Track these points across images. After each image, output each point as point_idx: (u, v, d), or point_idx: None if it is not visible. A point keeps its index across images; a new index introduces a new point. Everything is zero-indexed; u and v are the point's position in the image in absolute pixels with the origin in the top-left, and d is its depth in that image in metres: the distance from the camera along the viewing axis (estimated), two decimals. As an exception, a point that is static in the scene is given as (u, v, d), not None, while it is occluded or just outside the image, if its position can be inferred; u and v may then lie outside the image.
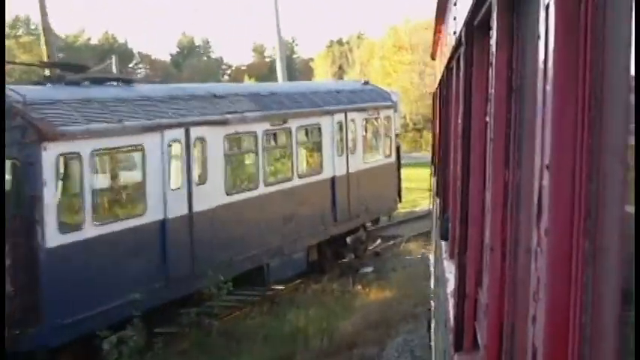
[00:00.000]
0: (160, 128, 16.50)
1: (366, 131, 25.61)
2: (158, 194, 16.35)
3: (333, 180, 22.97)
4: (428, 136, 67.80)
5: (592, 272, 1.82)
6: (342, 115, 23.53)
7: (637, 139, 1.46)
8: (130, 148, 16.21)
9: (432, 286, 15.82)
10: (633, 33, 1.52)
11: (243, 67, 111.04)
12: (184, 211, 17.08)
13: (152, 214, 16.25)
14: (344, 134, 23.46)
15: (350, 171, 23.52)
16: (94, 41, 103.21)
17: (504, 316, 3.46)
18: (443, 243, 8.99)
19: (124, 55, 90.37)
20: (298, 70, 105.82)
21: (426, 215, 32.09)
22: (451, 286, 6.51)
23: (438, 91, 14.43)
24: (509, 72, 3.40)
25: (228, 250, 18.45)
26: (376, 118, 26.16)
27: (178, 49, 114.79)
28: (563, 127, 1.90)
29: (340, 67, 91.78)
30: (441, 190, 11.62)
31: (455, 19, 6.96)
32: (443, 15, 11.37)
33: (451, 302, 6.20)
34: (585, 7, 1.82)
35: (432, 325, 14.26)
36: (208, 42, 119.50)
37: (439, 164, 13.46)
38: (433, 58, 20.25)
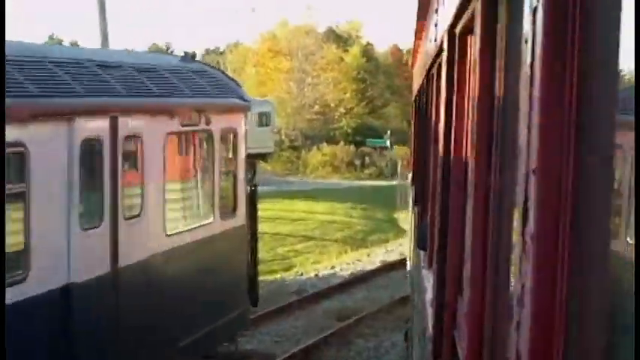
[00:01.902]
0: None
1: (179, 161, 13.20)
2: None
3: (64, 293, 9.86)
4: (307, 157, 62.87)
5: (578, 278, 1.80)
6: (102, 123, 10.55)
7: (637, 139, 1.44)
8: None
9: (410, 294, 15.81)
10: (633, 35, 1.50)
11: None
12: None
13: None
14: (107, 172, 10.63)
15: (121, 265, 10.87)
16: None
17: (484, 324, 3.44)
18: (421, 252, 8.98)
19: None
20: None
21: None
22: (430, 295, 6.49)
23: (417, 98, 14.44)
24: (492, 77, 3.38)
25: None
26: (205, 134, 13.35)
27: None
28: (550, 132, 1.87)
29: None
30: (420, 199, 11.61)
31: (436, 25, 6.96)
32: (423, 23, 11.40)
33: (430, 311, 6.18)
34: (573, 9, 1.80)
35: (409, 335, 14.26)
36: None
37: (416, 172, 13.46)
38: (412, 67, 20.28)
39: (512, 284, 2.33)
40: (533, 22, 2.03)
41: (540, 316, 1.93)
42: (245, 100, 15.03)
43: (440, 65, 6.38)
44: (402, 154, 57.57)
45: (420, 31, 12.90)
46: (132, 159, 11.46)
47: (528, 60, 2.07)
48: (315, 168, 62.08)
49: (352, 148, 62.70)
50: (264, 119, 52.03)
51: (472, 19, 3.91)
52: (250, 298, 15.31)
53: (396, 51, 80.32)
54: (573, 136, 1.80)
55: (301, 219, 37.03)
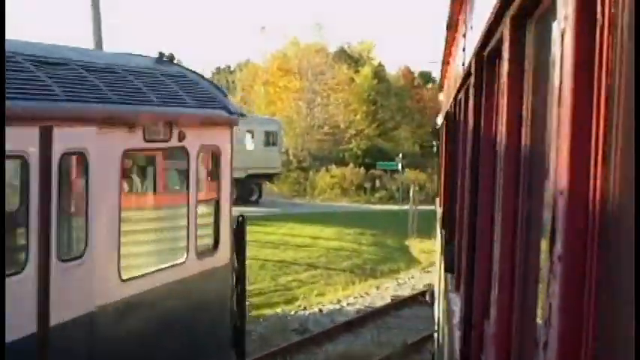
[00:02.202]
0: None
1: (140, 185, 11.20)
2: None
3: None
4: (315, 178, 60.00)
5: (606, 298, 1.81)
6: (28, 134, 8.16)
7: (637, 139, 1.46)
8: None
9: (436, 319, 15.75)
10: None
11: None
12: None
13: None
14: (34, 200, 8.15)
15: (53, 323, 8.36)
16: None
17: (512, 346, 3.44)
18: (448, 275, 8.96)
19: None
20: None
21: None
22: (457, 317, 6.48)
23: (445, 122, 14.46)
24: (521, 100, 3.40)
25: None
26: (178, 152, 10.99)
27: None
28: (578, 153, 1.89)
29: None
30: (447, 222, 11.60)
31: (464, 49, 6.99)
32: (450, 47, 11.43)
33: (457, 334, 6.17)
34: (601, 31, 1.82)
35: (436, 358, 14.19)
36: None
37: (444, 195, 13.44)
38: (440, 90, 20.31)
39: (540, 305, 2.34)
40: (562, 45, 2.05)
41: (568, 337, 1.94)
42: (231, 112, 12.03)
43: (468, 89, 6.40)
44: (413, 177, 56.64)
45: (447, 56, 12.94)
46: (73, 183, 9.06)
47: (557, 82, 2.09)
48: (324, 190, 59.63)
49: (362, 170, 60.41)
50: (270, 138, 51.05)
51: (500, 42, 3.93)
52: (236, 353, 12.37)
53: (408, 73, 78.78)
54: (601, 157, 1.82)
55: (307, 245, 34.63)
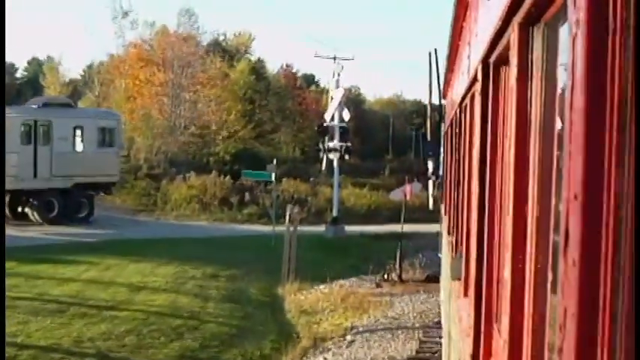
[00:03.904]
0: None
1: None
2: None
3: None
4: (169, 188, 47.75)
5: (621, 303, 1.81)
6: None
7: (637, 139, 1.47)
8: None
9: (443, 325, 15.73)
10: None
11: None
12: None
13: None
14: None
15: None
16: None
17: (523, 352, 3.44)
18: (456, 282, 8.96)
19: None
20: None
21: None
22: (465, 324, 6.47)
23: (450, 129, 14.46)
24: (529, 106, 3.41)
25: None
26: None
27: None
28: (591, 157, 1.90)
29: (75, 87, 68.94)
30: (453, 230, 11.59)
31: (469, 57, 7.00)
32: (455, 54, 11.44)
33: (465, 341, 6.16)
34: (613, 36, 1.82)
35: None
36: None
37: (449, 202, 13.43)
38: (444, 97, 20.33)
39: (553, 310, 2.34)
40: (573, 50, 2.05)
41: (583, 342, 1.94)
42: None
43: (474, 96, 6.41)
44: (293, 189, 48.75)
45: (451, 64, 12.95)
46: None
47: (569, 87, 2.10)
48: (179, 204, 47.11)
49: (228, 180, 48.38)
50: (106, 137, 40.17)
51: (507, 49, 3.94)
52: None
53: (290, 73, 71.95)
54: (615, 161, 1.82)
55: (116, 305, 21.36)
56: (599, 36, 1.88)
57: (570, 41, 2.10)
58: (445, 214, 16.53)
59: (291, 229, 28.59)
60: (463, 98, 8.59)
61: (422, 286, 26.97)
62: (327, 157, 44.92)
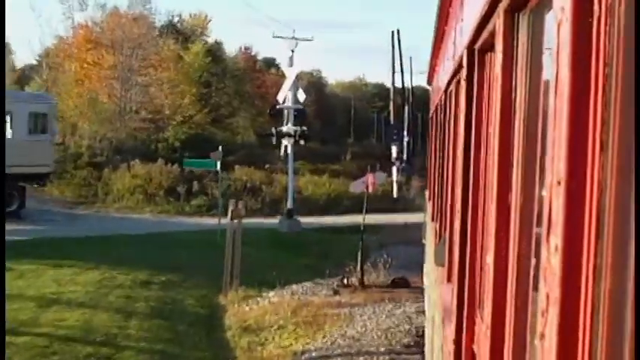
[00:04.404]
0: None
1: None
2: None
3: None
4: (112, 178, 44.47)
5: (603, 289, 1.82)
6: None
7: (636, 130, 1.47)
8: None
9: (426, 310, 15.80)
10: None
11: None
12: None
13: None
14: None
15: None
16: None
17: (505, 338, 3.45)
18: (440, 268, 8.99)
19: None
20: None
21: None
22: (448, 310, 6.50)
23: (435, 115, 14.48)
24: (514, 92, 3.41)
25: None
26: None
27: None
28: (576, 143, 1.90)
29: (23, 71, 66.39)
30: (437, 216, 11.62)
31: (454, 43, 7.00)
32: (440, 40, 11.44)
33: (448, 326, 6.19)
34: (598, 22, 1.83)
35: (426, 350, 14.23)
36: None
37: (433, 189, 13.47)
38: (429, 83, 20.36)
39: (536, 296, 2.35)
40: (558, 37, 2.06)
41: (565, 327, 1.95)
42: None
43: (459, 82, 6.41)
44: (246, 178, 46.24)
45: (437, 49, 12.95)
46: None
47: (553, 73, 2.10)
48: (121, 195, 43.65)
49: (176, 168, 44.61)
50: (38, 123, 36.68)
51: (492, 35, 3.94)
52: None
53: (249, 56, 69.79)
54: (599, 147, 1.83)
55: (19, 327, 17.09)
56: (584, 22, 1.88)
57: (555, 28, 2.10)
58: (429, 201, 16.56)
59: (236, 226, 24.30)
60: (448, 84, 8.60)
61: (387, 293, 23.11)
62: (281, 143, 40.74)
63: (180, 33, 63.02)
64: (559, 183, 1.98)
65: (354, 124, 74.71)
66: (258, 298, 22.68)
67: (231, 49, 72.71)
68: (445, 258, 7.71)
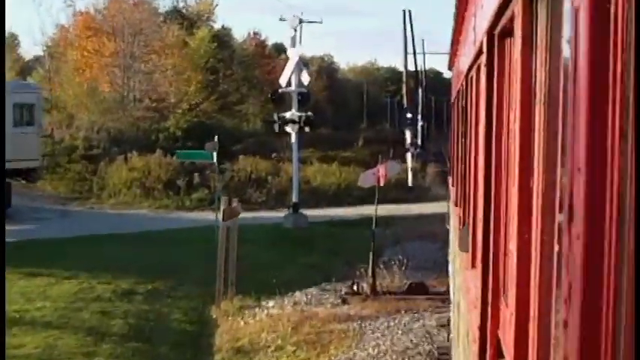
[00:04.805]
0: None
1: None
2: None
3: None
4: (108, 172, 41.45)
5: (625, 276, 1.81)
6: None
7: (637, 139, 1.46)
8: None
9: (452, 296, 15.76)
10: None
11: None
12: None
13: None
14: None
15: None
16: None
17: (530, 323, 3.44)
18: (464, 254, 8.97)
19: None
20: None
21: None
22: (472, 296, 6.48)
23: (456, 101, 14.42)
24: (533, 77, 3.39)
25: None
26: None
27: None
28: (595, 130, 1.89)
29: (27, 62, 64.95)
30: (461, 202, 11.58)
31: (474, 29, 6.96)
32: (460, 26, 11.38)
33: (473, 313, 6.18)
34: (615, 8, 1.81)
35: (452, 336, 14.22)
36: None
37: (456, 174, 13.43)
38: (450, 68, 20.27)
39: (559, 283, 2.34)
40: (576, 22, 2.04)
41: (588, 315, 1.94)
42: None
43: (479, 68, 6.38)
44: (251, 168, 42.75)
45: (457, 35, 12.89)
46: None
47: (572, 59, 2.08)
48: (118, 190, 40.57)
49: (176, 159, 39.60)
50: (24, 115, 34.24)
51: (511, 20, 3.92)
52: None
53: (258, 41, 67.81)
54: (618, 133, 1.81)
55: None
56: (602, 8, 1.87)
57: (573, 13, 2.08)
58: (452, 186, 16.52)
59: (229, 226, 21.64)
60: (469, 70, 8.56)
61: (403, 302, 20.29)
62: (285, 130, 37.13)
63: (186, 18, 60.52)
64: (579, 170, 1.97)
65: (367, 109, 73.90)
66: (256, 309, 20.14)
67: (240, 35, 70.73)
68: (469, 244, 7.69)
